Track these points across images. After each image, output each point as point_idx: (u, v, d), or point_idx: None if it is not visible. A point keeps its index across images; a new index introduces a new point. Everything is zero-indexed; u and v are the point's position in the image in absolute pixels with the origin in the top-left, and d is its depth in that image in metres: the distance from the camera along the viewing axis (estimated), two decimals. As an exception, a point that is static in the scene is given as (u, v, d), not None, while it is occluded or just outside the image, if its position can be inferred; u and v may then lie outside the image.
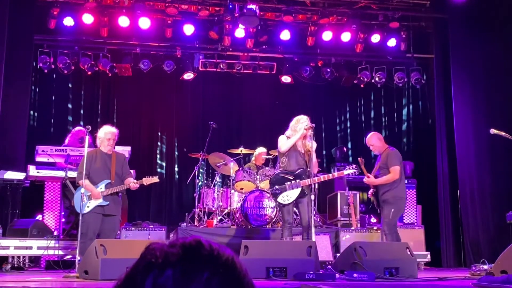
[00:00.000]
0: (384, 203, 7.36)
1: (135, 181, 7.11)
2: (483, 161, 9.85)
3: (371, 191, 7.58)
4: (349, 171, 7.31)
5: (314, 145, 7.20)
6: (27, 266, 7.92)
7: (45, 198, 8.63)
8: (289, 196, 7.05)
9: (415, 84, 11.20)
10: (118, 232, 8.51)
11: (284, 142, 7.17)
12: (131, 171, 7.51)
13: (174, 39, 10.94)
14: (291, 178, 7.08)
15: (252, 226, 8.73)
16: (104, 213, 6.95)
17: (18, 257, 7.77)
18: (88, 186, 6.90)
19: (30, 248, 7.70)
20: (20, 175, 8.33)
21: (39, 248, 7.73)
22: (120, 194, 7.22)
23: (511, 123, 9.05)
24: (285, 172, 7.16)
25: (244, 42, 11.01)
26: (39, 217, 8.78)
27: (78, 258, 6.44)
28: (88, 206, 6.85)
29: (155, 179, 7.26)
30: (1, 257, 7.66)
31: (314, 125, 7.20)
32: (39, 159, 8.53)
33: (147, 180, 7.16)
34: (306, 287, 4.73)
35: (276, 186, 7.12)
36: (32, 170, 8.36)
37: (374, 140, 7.67)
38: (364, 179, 7.57)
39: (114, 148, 7.33)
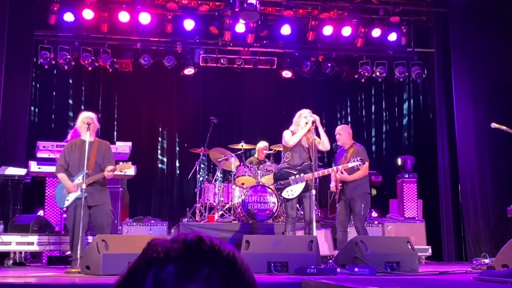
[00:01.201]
0: (353, 200, 7.35)
1: (110, 168, 6.56)
2: (484, 155, 9.85)
3: (334, 184, 7.50)
4: (354, 163, 7.27)
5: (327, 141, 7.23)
6: (28, 261, 7.94)
7: (46, 194, 8.64)
8: (293, 190, 7.05)
9: (416, 78, 11.19)
10: (120, 226, 8.54)
11: (290, 138, 7.15)
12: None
13: (174, 34, 10.94)
14: (295, 172, 7.07)
15: (254, 221, 8.74)
16: (88, 204, 6.47)
17: (20, 252, 7.78)
18: (63, 180, 6.61)
19: (32, 243, 7.71)
20: (21, 171, 8.34)
21: (40, 243, 7.75)
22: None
23: (511, 117, 9.04)
24: (289, 166, 7.16)
25: (244, 37, 11.00)
26: (40, 212, 8.80)
27: (70, 253, 6.40)
28: (67, 200, 6.57)
29: (129, 165, 6.82)
30: (2, 253, 7.67)
31: (318, 117, 7.17)
32: (40, 155, 8.54)
33: (121, 167, 6.70)
34: (307, 282, 4.74)
35: (280, 181, 7.12)
36: (33, 166, 8.37)
37: (344, 131, 7.66)
38: (337, 174, 7.49)
39: (97, 134, 6.93)
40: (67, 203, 6.59)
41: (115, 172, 6.72)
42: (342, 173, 7.29)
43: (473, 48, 10.13)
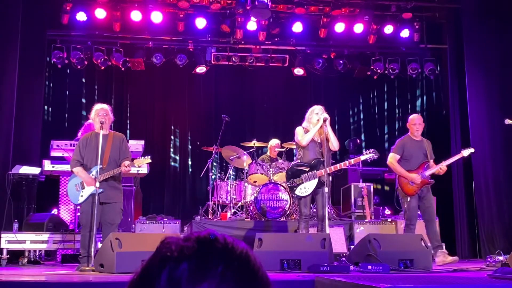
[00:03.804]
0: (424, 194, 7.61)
1: (127, 163, 6.41)
2: (498, 152, 9.76)
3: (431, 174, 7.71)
4: (367, 156, 7.21)
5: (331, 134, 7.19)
6: (43, 260, 8.00)
7: (60, 193, 8.69)
8: (306, 188, 7.00)
9: (429, 75, 11.13)
10: (133, 224, 8.57)
11: (303, 137, 7.09)
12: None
13: (186, 32, 10.96)
14: (307, 169, 7.04)
15: (266, 219, 8.75)
16: (101, 201, 6.36)
17: (34, 251, 7.85)
18: (80, 173, 6.46)
19: (46, 242, 7.77)
20: (35, 170, 8.40)
21: (55, 242, 7.80)
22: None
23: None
24: (300, 164, 7.12)
25: (256, 35, 10.99)
26: (54, 211, 8.86)
27: (84, 251, 6.40)
28: (81, 196, 6.47)
29: (147, 159, 6.73)
30: (17, 251, 7.73)
31: (329, 117, 7.11)
32: (54, 153, 8.59)
33: (138, 162, 6.63)
34: (320, 280, 4.73)
35: (293, 179, 7.09)
36: (47, 165, 8.42)
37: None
38: (440, 168, 7.78)
39: (111, 127, 6.79)
40: (81, 199, 6.50)
41: (133, 167, 6.59)
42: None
43: (486, 44, 10.04)
